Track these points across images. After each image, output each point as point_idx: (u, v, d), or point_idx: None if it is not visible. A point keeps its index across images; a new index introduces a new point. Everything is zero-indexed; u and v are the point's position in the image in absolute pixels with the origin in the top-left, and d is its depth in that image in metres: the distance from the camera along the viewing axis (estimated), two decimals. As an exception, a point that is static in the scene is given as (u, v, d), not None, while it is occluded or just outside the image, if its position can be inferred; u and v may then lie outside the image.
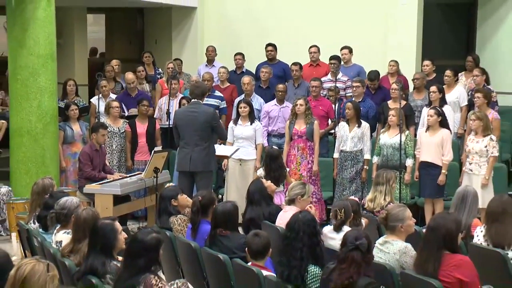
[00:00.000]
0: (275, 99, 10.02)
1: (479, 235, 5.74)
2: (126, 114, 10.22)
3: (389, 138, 8.76)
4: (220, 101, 10.25)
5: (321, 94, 10.21)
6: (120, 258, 4.84)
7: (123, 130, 9.73)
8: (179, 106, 9.62)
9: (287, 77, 11.08)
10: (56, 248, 5.60)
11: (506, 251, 5.40)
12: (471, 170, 8.36)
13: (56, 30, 9.31)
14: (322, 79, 10.45)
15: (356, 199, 6.89)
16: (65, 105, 9.98)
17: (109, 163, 9.38)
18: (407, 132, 8.82)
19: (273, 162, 7.91)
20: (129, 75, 10.61)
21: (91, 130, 9.24)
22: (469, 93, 10.04)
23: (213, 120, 8.29)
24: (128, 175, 8.96)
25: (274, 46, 11.33)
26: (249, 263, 5.19)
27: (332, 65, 10.44)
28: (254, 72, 11.33)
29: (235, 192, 9.06)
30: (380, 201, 7.04)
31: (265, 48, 11.34)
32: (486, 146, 8.27)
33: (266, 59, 11.36)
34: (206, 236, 5.86)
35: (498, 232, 5.52)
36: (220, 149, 8.84)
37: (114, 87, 11.33)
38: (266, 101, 10.22)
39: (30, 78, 8.97)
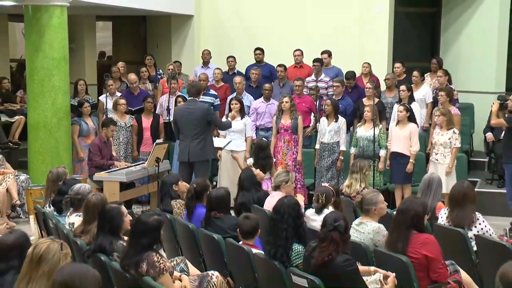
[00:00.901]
0: (262, 97, 10.00)
1: (442, 217, 5.78)
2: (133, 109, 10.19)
3: (365, 131, 8.76)
4: (214, 99, 10.21)
5: (305, 93, 10.20)
6: (125, 238, 4.83)
7: (129, 125, 9.69)
8: (175, 104, 9.58)
9: (273, 77, 11.04)
10: (69, 229, 5.59)
11: (466, 231, 5.43)
12: (437, 160, 8.39)
13: (69, 35, 9.26)
14: (307, 79, 10.44)
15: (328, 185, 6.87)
16: (78, 102, 9.97)
17: (117, 154, 9.35)
18: (380, 126, 8.83)
19: (261, 152, 7.91)
20: (132, 76, 10.55)
21: (101, 125, 9.20)
22: (434, 92, 10.07)
23: (208, 115, 8.24)
24: (133, 164, 8.94)
25: (262, 50, 11.29)
26: (240, 242, 5.19)
27: (315, 66, 10.42)
28: (244, 73, 11.30)
29: (227, 180, 9.05)
30: (356, 187, 7.05)
31: (254, 51, 11.30)
32: (449, 139, 8.30)
33: (254, 61, 11.32)
34: (202, 219, 5.85)
35: (459, 214, 5.56)
36: (214, 141, 8.82)
37: (120, 86, 11.25)
38: (255, 98, 10.18)
39: (46, 78, 8.94)
